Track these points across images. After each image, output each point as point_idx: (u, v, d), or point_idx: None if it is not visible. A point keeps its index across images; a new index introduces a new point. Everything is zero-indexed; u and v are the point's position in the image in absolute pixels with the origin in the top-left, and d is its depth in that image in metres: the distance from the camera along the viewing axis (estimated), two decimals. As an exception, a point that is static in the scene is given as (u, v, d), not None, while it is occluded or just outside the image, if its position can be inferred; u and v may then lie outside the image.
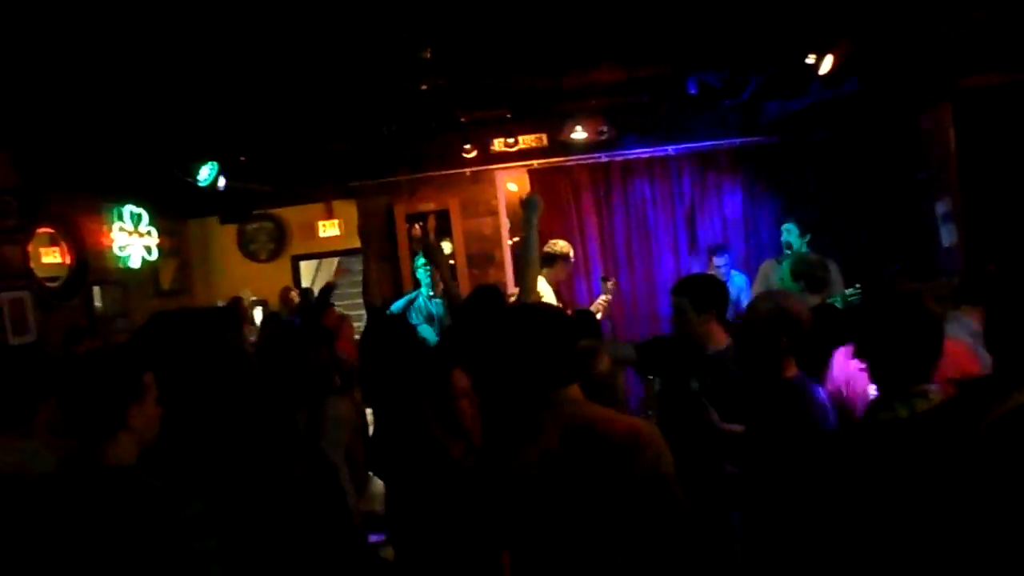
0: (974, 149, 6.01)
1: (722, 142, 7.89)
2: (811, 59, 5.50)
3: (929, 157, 6.55)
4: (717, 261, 6.95)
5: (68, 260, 7.06)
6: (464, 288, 8.15)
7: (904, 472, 1.79)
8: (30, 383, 2.64)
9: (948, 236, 6.30)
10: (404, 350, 3.37)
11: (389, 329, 3.62)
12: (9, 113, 5.54)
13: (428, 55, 5.39)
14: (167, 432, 2.19)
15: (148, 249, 8.18)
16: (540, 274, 6.11)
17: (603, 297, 6.51)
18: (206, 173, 6.81)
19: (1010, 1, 4.96)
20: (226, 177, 7.20)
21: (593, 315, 5.22)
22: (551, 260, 6.09)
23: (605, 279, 6.68)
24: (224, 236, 9.33)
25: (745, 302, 6.41)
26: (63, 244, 7.03)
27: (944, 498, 1.64)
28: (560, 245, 6.17)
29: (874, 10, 5.12)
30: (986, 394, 1.62)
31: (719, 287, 3.70)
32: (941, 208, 6.36)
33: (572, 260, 6.29)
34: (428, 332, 6.11)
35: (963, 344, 2.99)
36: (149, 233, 8.20)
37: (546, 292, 6.02)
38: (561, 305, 6.12)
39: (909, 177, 6.91)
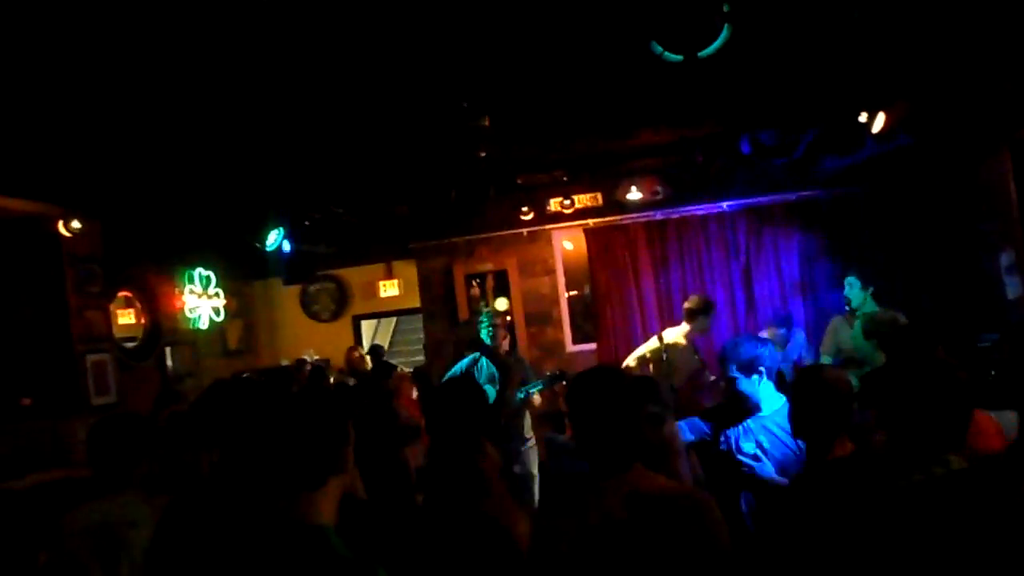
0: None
1: (777, 197, 7.92)
2: (863, 117, 5.55)
3: (990, 208, 6.49)
4: (776, 331, 6.81)
5: (143, 322, 7.38)
6: (522, 345, 8.27)
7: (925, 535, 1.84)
8: (132, 447, 2.80)
9: (1013, 288, 6.21)
10: (473, 412, 3.46)
11: (460, 391, 3.67)
12: (99, 186, 5.90)
13: (487, 123, 5.59)
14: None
15: (216, 311, 8.49)
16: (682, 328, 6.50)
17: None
18: (274, 238, 7.08)
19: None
20: (291, 240, 7.48)
21: (654, 382, 5.23)
22: (691, 315, 6.49)
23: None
24: (288, 297, 9.63)
25: (807, 359, 6.38)
26: (137, 306, 7.37)
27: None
28: (696, 300, 6.56)
29: (928, 70, 5.18)
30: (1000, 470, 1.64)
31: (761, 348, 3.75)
32: (1005, 260, 6.29)
33: (714, 310, 6.69)
34: (491, 392, 6.20)
35: (987, 415, 3.00)
36: (217, 295, 8.52)
37: (679, 344, 6.37)
38: (697, 358, 6.38)
39: (970, 229, 6.85)
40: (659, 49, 3.53)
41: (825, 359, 6.07)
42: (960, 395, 2.12)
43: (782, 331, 6.64)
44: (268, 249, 7.20)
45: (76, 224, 6.01)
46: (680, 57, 3.55)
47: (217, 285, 8.53)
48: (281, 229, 7.16)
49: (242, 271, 9.06)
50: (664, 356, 6.17)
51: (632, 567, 2.13)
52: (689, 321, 6.46)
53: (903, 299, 7.27)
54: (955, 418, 2.09)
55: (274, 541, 1.81)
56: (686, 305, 6.57)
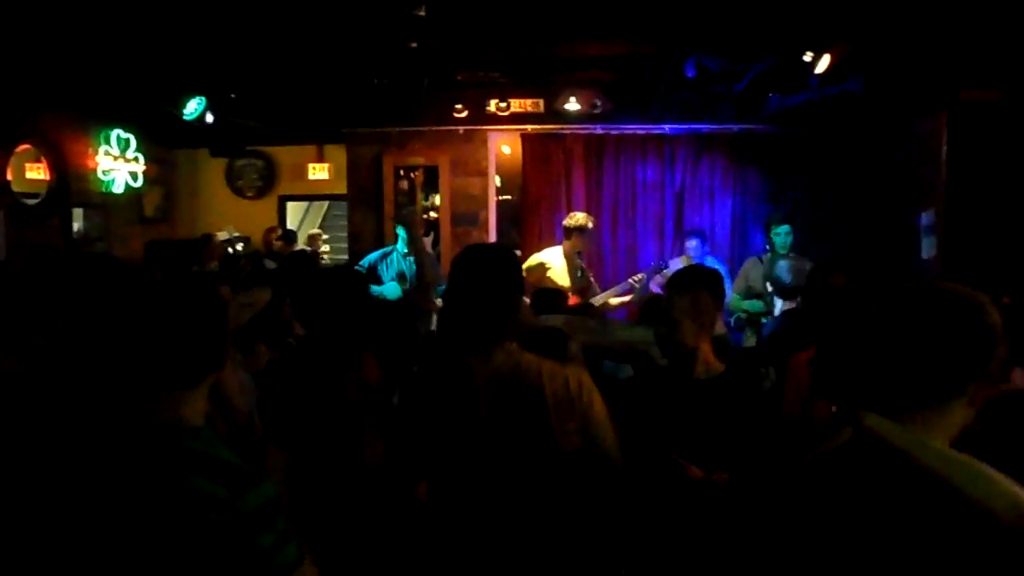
0: (965, 163, 5.94)
1: (719, 127, 7.78)
2: (808, 57, 5.42)
3: (920, 166, 6.47)
4: (688, 244, 6.87)
5: (48, 178, 7.02)
6: (446, 245, 8.15)
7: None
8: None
9: (928, 248, 6.26)
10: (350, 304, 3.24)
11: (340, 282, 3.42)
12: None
13: (423, 13, 5.30)
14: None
15: (134, 175, 8.14)
16: (558, 246, 6.36)
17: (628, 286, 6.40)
18: (193, 107, 6.74)
19: (1011, 20, 4.87)
20: (215, 112, 7.12)
21: (558, 295, 5.17)
22: (567, 232, 6.30)
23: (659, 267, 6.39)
24: (213, 169, 9.29)
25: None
26: (44, 161, 6.98)
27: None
28: (578, 218, 6.32)
29: (877, 15, 5.03)
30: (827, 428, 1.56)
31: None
32: (925, 219, 6.31)
33: (590, 229, 6.34)
34: (395, 289, 6.13)
35: None
36: (136, 159, 8.15)
37: (556, 264, 6.23)
38: (583, 277, 6.30)
39: (901, 185, 6.84)
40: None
41: (735, 297, 6.09)
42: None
43: (694, 241, 6.84)
44: (187, 118, 6.86)
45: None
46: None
47: (137, 149, 8.15)
48: (202, 99, 6.80)
49: (166, 138, 8.64)
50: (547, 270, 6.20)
51: (494, 435, 2.18)
52: (566, 238, 6.32)
53: (827, 245, 7.32)
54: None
55: (146, 444, 1.64)
56: (564, 222, 6.41)
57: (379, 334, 3.55)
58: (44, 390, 2.21)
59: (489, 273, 2.28)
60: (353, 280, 3.39)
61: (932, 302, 1.43)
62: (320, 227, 11.21)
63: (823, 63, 5.41)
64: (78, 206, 7.45)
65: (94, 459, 1.65)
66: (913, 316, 1.43)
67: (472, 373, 2.24)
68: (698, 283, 2.89)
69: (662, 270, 6.18)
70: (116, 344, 2.04)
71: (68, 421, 2.00)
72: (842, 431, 1.45)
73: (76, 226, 7.47)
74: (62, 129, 7.15)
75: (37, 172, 7.04)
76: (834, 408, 2.77)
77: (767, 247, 6.32)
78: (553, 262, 6.23)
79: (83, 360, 2.33)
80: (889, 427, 1.40)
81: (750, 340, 5.88)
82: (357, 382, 2.85)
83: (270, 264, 7.48)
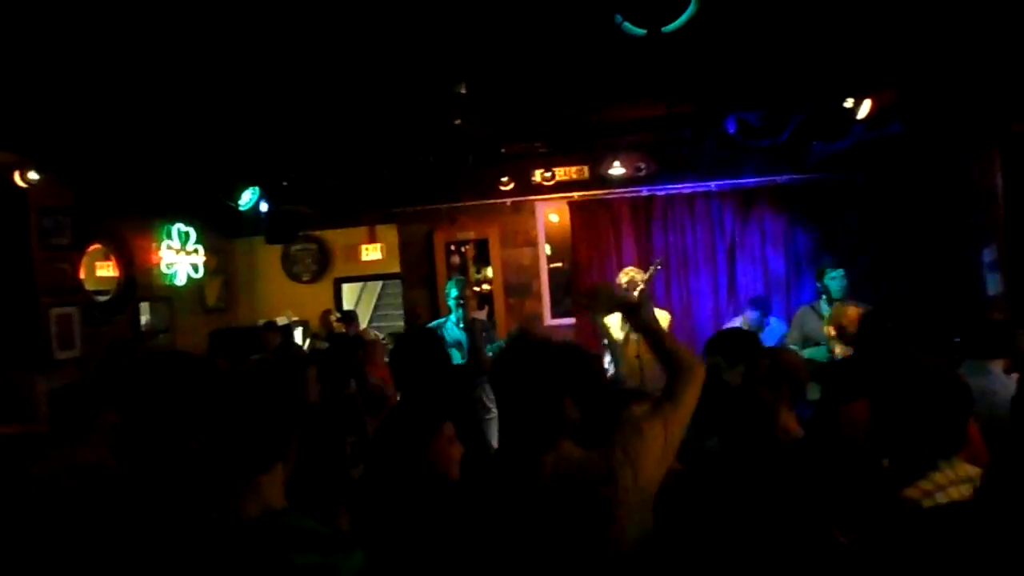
0: (1023, 196, 5.83)
1: (765, 179, 7.78)
2: (849, 103, 5.41)
3: (978, 203, 6.35)
4: (749, 315, 6.64)
5: (118, 275, 7.30)
6: (500, 316, 8.20)
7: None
8: (85, 399, 2.80)
9: (994, 285, 6.10)
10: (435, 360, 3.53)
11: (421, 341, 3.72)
12: (67, 139, 5.79)
13: (463, 91, 5.46)
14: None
15: (195, 267, 8.41)
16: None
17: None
18: (248, 197, 7.00)
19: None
20: (270, 200, 7.38)
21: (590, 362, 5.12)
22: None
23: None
24: (269, 256, 9.54)
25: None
26: (113, 259, 7.28)
27: None
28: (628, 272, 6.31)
29: (920, 58, 5.03)
30: None
31: (751, 341, 3.66)
32: (987, 256, 6.17)
33: (637, 282, 6.19)
34: (455, 357, 6.15)
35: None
36: (196, 251, 8.43)
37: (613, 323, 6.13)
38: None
39: (957, 222, 6.71)
40: (619, 19, 3.39)
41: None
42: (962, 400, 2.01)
43: (754, 315, 6.52)
44: (242, 208, 7.11)
45: (33, 175, 5.81)
46: (643, 31, 3.41)
47: (197, 241, 8.44)
48: (256, 189, 7.06)
49: (223, 228, 8.94)
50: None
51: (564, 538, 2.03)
52: None
53: (885, 289, 7.19)
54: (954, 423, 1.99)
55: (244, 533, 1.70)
56: None
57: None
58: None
59: (529, 377, 2.13)
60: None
61: None
62: (376, 306, 11.39)
63: (864, 108, 5.40)
64: (144, 300, 7.70)
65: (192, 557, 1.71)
66: None
67: (523, 479, 2.11)
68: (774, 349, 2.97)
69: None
70: (191, 439, 2.06)
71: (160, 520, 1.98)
72: None
73: (143, 319, 7.71)
74: (128, 227, 7.46)
75: (107, 270, 7.35)
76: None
77: (822, 294, 6.21)
78: (612, 321, 6.19)
79: (159, 458, 2.37)
80: None
81: (813, 392, 5.72)
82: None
83: (322, 345, 7.58)
